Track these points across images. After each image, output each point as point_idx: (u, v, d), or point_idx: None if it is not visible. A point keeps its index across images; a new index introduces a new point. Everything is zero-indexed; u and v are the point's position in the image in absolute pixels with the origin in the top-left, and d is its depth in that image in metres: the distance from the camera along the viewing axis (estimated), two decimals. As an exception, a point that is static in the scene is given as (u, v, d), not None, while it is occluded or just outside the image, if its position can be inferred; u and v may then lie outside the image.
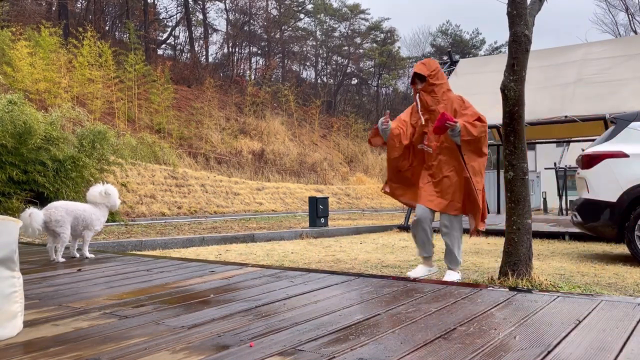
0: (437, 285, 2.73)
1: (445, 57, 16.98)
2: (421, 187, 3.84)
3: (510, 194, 3.47)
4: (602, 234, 5.36)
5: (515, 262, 3.37)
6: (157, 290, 2.66)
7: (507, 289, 2.63)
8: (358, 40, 37.39)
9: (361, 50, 36.95)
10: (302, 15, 35.91)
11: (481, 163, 3.68)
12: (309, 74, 37.24)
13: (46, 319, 2.08)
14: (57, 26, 16.31)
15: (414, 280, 2.98)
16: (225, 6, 31.02)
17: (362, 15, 37.04)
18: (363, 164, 25.36)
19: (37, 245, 4.97)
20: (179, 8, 29.60)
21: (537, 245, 6.56)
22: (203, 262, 3.71)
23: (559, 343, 1.69)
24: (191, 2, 29.42)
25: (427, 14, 75.35)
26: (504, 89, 3.51)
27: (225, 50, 30.81)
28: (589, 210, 5.28)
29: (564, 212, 14.15)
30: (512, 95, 3.46)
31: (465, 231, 3.88)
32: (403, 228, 9.17)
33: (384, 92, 38.92)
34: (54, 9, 22.90)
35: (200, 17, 30.24)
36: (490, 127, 10.62)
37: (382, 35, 37.89)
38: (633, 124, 5.22)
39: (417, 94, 3.86)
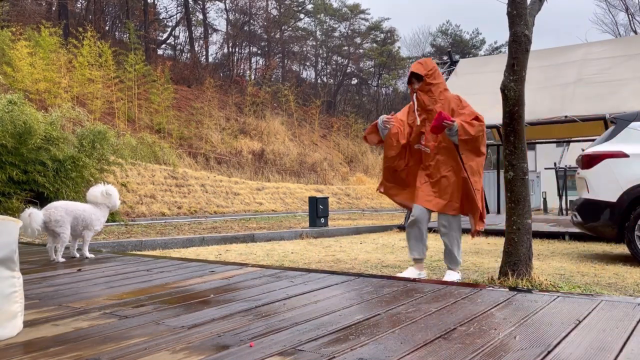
0: (437, 285, 2.73)
1: (445, 57, 16.98)
2: (418, 187, 3.81)
3: (510, 194, 3.46)
4: (602, 234, 5.36)
5: (515, 262, 3.37)
6: (157, 290, 2.66)
7: (507, 289, 2.63)
8: (358, 40, 37.39)
9: (361, 50, 36.95)
10: (302, 15, 35.92)
11: (479, 163, 3.66)
12: (309, 74, 37.28)
13: (46, 319, 2.08)
14: (57, 26, 16.31)
15: (414, 280, 2.98)
16: (225, 6, 31.04)
17: (362, 15, 37.06)
18: (363, 164, 25.36)
19: (37, 245, 4.97)
20: (179, 8, 29.61)
21: (537, 245, 6.56)
22: (203, 262, 3.71)
23: (559, 343, 1.69)
24: (191, 2, 29.42)
25: (427, 14, 75.37)
26: (504, 89, 3.51)
27: (225, 50, 30.84)
28: (589, 210, 5.28)
29: (564, 212, 14.16)
30: (512, 95, 3.46)
31: (466, 231, 3.87)
32: (403, 228, 9.17)
33: (384, 92, 38.94)
34: (54, 9, 22.90)
35: (200, 17, 30.25)
36: (490, 127, 10.62)
37: (382, 35, 37.90)
38: (633, 124, 5.22)
39: (414, 94, 3.84)
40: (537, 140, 13.45)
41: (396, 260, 5.12)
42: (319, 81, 36.10)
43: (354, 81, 38.14)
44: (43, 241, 5.35)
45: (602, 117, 8.83)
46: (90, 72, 15.45)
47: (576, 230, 6.72)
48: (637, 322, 1.94)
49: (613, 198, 5.03)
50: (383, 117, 3.90)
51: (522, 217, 3.39)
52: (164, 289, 2.68)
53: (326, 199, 9.52)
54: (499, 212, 13.21)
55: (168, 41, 29.95)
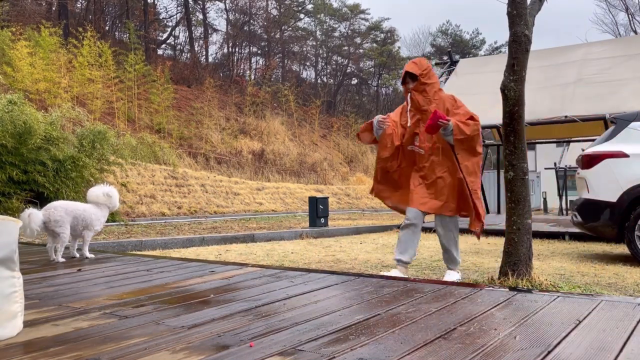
0: (437, 285, 2.73)
1: (445, 57, 16.98)
2: (413, 189, 3.77)
3: (510, 194, 3.46)
4: (602, 234, 5.36)
5: (515, 262, 3.37)
6: (157, 290, 2.66)
7: (507, 289, 2.63)
8: (358, 40, 37.40)
9: (361, 50, 36.95)
10: (302, 15, 35.93)
11: (475, 162, 3.63)
12: (309, 74, 37.29)
13: (46, 319, 2.08)
14: (57, 26, 16.32)
15: (414, 280, 2.98)
16: (225, 6, 31.04)
17: (362, 15, 37.07)
18: (363, 164, 25.37)
19: (37, 245, 4.97)
20: (179, 8, 29.62)
21: (537, 245, 6.56)
22: (203, 262, 3.71)
23: (559, 343, 1.69)
24: (191, 2, 29.42)
25: (427, 14, 75.39)
26: (504, 89, 3.51)
27: (225, 50, 30.84)
28: (589, 210, 5.28)
29: (564, 212, 14.16)
30: (512, 95, 3.46)
31: (464, 231, 3.87)
32: (403, 228, 9.15)
33: (384, 92, 38.96)
34: (54, 9, 22.91)
35: (200, 17, 30.26)
36: (490, 127, 10.64)
37: (382, 35, 37.91)
38: (633, 124, 5.22)
39: (409, 94, 3.82)
40: (537, 140, 13.45)
41: (396, 260, 5.11)
42: (319, 81, 36.11)
43: (354, 81, 38.15)
44: (43, 241, 5.35)
45: (602, 117, 8.84)
46: (90, 72, 15.45)
47: (576, 230, 6.72)
48: (637, 322, 1.94)
49: (613, 198, 5.03)
50: (379, 117, 3.89)
51: (522, 217, 3.39)
52: (164, 289, 2.68)
53: (326, 199, 9.52)
54: (499, 212, 13.22)
55: (168, 41, 29.98)
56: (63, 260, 3.78)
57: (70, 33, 18.56)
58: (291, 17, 34.66)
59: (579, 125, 9.90)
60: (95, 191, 4.00)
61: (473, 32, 43.93)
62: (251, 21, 31.98)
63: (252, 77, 29.22)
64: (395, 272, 3.70)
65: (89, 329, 1.90)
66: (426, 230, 8.09)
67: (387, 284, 2.76)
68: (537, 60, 10.13)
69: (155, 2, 28.92)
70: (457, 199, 3.70)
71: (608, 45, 11.63)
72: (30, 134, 7.33)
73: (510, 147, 3.47)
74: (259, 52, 33.25)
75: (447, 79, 12.92)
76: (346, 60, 36.50)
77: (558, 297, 2.41)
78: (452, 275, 3.73)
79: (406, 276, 3.71)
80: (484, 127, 10.66)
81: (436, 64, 16.38)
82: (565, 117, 9.47)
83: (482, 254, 5.64)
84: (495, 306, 2.23)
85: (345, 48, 36.38)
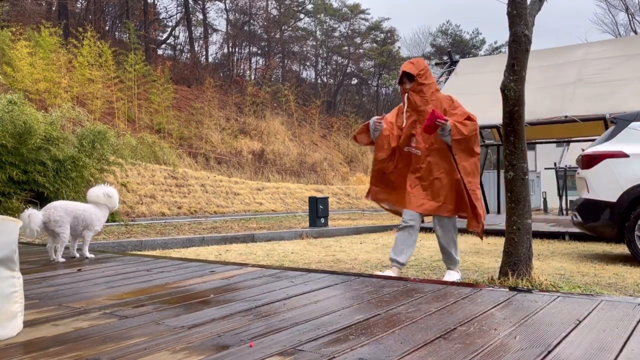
0: (437, 285, 2.73)
1: (445, 57, 16.98)
2: (409, 191, 3.74)
3: (510, 194, 3.46)
4: (602, 234, 5.36)
5: (515, 262, 3.37)
6: (157, 290, 2.66)
7: (507, 289, 2.63)
8: (358, 40, 37.40)
9: (361, 50, 36.96)
10: (302, 15, 35.94)
11: (473, 163, 3.62)
12: (309, 74, 37.30)
13: (46, 319, 2.08)
14: (57, 26, 16.32)
15: (414, 280, 2.98)
16: (225, 6, 31.05)
17: (362, 15, 37.08)
18: (363, 164, 25.36)
19: (37, 245, 4.97)
20: (179, 8, 29.63)
21: (537, 245, 6.56)
22: (203, 262, 3.71)
23: (559, 343, 1.69)
24: (191, 2, 29.43)
25: (427, 14, 75.39)
26: (504, 89, 3.51)
27: (225, 50, 30.85)
28: (589, 210, 5.28)
29: (564, 212, 14.16)
30: (512, 95, 3.46)
31: (463, 231, 3.86)
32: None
33: (384, 92, 38.96)
34: (54, 9, 22.91)
35: (200, 17, 30.26)
36: (490, 127, 10.64)
37: (382, 35, 37.91)
38: (633, 124, 5.22)
39: (406, 94, 3.80)
40: (537, 140, 13.45)
41: (396, 260, 5.11)
42: (319, 81, 36.12)
43: (354, 81, 38.16)
44: (43, 241, 5.35)
45: (602, 117, 8.84)
46: (90, 72, 15.46)
47: (576, 230, 6.72)
48: (637, 322, 1.94)
49: (613, 198, 5.03)
50: (374, 118, 3.88)
51: (522, 217, 3.39)
52: (164, 289, 2.68)
53: (326, 199, 9.52)
54: (499, 212, 13.22)
55: (168, 41, 29.99)
56: (63, 260, 3.78)
57: (70, 33, 18.57)
58: (291, 17, 34.67)
59: (579, 125, 9.90)
60: (96, 191, 4.00)
61: (473, 32, 43.96)
62: (251, 21, 31.99)
63: (252, 77, 29.24)
64: (388, 273, 3.67)
65: (89, 329, 1.90)
66: (426, 230, 8.09)
67: (387, 284, 2.76)
68: (537, 60, 10.13)
69: (155, 2, 28.95)
70: (455, 199, 3.69)
71: (608, 45, 11.63)
72: (30, 134, 7.33)
73: (510, 147, 3.47)
74: (259, 52, 33.27)
75: (447, 79, 12.92)
76: (346, 60, 36.51)
77: (558, 297, 2.41)
78: (452, 275, 3.73)
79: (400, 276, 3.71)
80: (484, 127, 10.67)
81: (436, 64, 16.39)
82: (565, 117, 9.47)
83: (482, 254, 5.64)
84: (495, 306, 2.23)
85: (345, 48, 36.39)
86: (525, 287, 3.02)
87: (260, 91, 24.96)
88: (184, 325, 1.94)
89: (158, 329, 1.89)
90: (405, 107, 3.82)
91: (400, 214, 3.86)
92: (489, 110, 9.41)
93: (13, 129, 7.19)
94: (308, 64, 36.32)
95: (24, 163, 7.37)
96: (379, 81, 37.91)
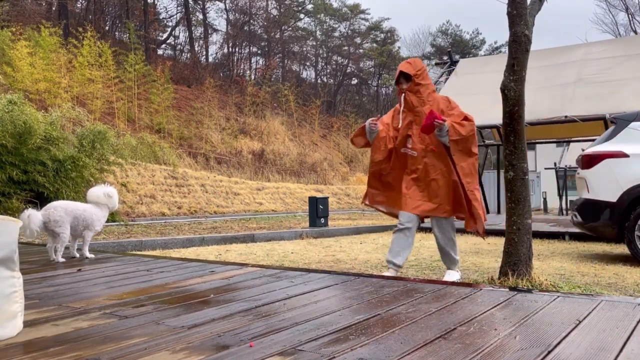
0: (437, 285, 2.73)
1: (445, 57, 16.98)
2: (405, 193, 3.72)
3: (510, 194, 3.46)
4: (602, 234, 5.36)
5: (515, 262, 3.37)
6: (157, 290, 2.66)
7: (507, 289, 2.63)
8: (358, 40, 37.40)
9: (361, 50, 36.96)
10: (302, 15, 35.94)
11: (471, 163, 3.61)
12: (309, 74, 37.30)
13: (46, 319, 2.08)
14: (57, 26, 16.32)
15: (414, 280, 2.98)
16: (225, 6, 31.05)
17: (362, 15, 37.08)
18: (363, 164, 25.35)
19: (37, 245, 4.97)
20: (179, 8, 29.63)
21: (537, 245, 6.56)
22: (203, 262, 3.71)
23: (559, 343, 1.69)
24: (191, 2, 29.43)
25: (427, 14, 75.38)
26: (504, 89, 3.51)
27: (225, 50, 30.85)
28: (589, 210, 5.28)
29: (564, 212, 14.15)
30: (512, 95, 3.46)
31: (470, 232, 3.86)
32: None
33: (384, 92, 38.96)
34: (54, 9, 22.91)
35: (200, 17, 30.26)
36: (490, 127, 10.64)
37: (382, 35, 37.91)
38: (633, 124, 5.22)
39: (403, 94, 3.79)
40: (537, 140, 13.46)
41: (396, 260, 5.11)
42: (319, 81, 36.12)
43: (354, 81, 38.16)
44: (43, 241, 5.35)
45: (602, 117, 8.84)
46: (90, 72, 15.46)
47: (576, 230, 6.72)
48: (637, 322, 1.94)
49: (613, 198, 5.03)
50: (370, 120, 3.87)
51: (522, 217, 3.39)
52: (164, 289, 2.68)
53: (326, 199, 9.52)
54: (499, 212, 13.22)
55: (168, 41, 29.99)
56: (63, 260, 3.78)
57: (70, 33, 18.57)
58: (291, 17, 34.67)
59: (579, 125, 9.90)
60: (96, 191, 4.00)
61: (473, 32, 43.94)
62: (251, 21, 31.99)
63: (252, 77, 29.24)
64: (385, 274, 3.64)
65: (89, 329, 1.90)
66: (426, 230, 8.09)
67: (387, 284, 2.76)
68: (537, 60, 10.13)
69: (155, 2, 28.95)
70: (452, 201, 3.68)
71: (608, 45, 11.63)
72: (30, 134, 7.33)
73: (510, 147, 3.47)
74: (259, 52, 33.27)
75: (447, 79, 12.92)
76: (346, 60, 36.51)
77: (558, 297, 2.41)
78: (452, 275, 3.73)
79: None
80: (484, 127, 10.67)
81: (436, 64, 16.38)
82: (565, 117, 9.47)
83: (482, 254, 5.64)
84: (495, 306, 2.23)
85: (345, 48, 36.39)
86: (525, 287, 3.02)
87: (260, 91, 24.96)
88: (184, 325, 1.94)
89: (158, 329, 1.89)
90: (402, 107, 3.81)
91: (397, 217, 3.85)
92: (489, 110, 9.41)
93: (13, 129, 7.19)
94: (308, 64, 36.35)
95: (24, 163, 7.37)
96: (379, 81, 37.93)
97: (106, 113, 16.11)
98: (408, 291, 2.56)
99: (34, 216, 3.53)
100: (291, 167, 20.83)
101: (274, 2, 33.34)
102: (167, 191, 12.81)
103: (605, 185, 5.13)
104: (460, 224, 3.88)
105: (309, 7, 35.53)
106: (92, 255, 4.02)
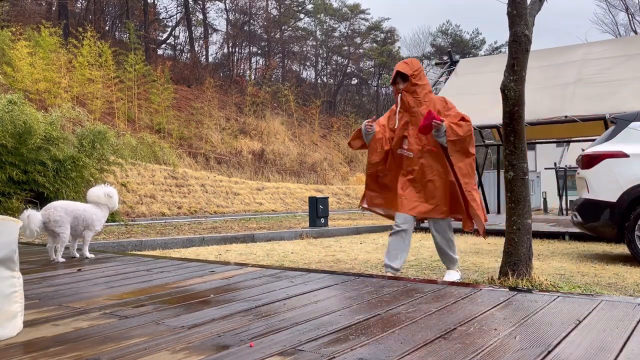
0: (437, 285, 2.73)
1: (445, 57, 16.98)
2: (401, 194, 3.69)
3: (510, 194, 3.46)
4: (602, 234, 5.36)
5: (515, 262, 3.37)
6: (157, 290, 2.66)
7: (507, 289, 2.63)
8: (358, 40, 37.42)
9: (361, 50, 36.97)
10: (302, 15, 35.96)
11: (468, 164, 3.59)
12: (309, 74, 37.31)
13: (46, 319, 2.08)
14: (57, 26, 16.33)
15: (414, 280, 2.98)
16: (225, 6, 31.06)
17: (362, 15, 37.10)
18: (363, 164, 25.35)
19: (37, 245, 4.97)
20: (179, 8, 29.64)
21: (537, 245, 6.56)
22: (203, 262, 3.70)
23: (559, 343, 1.69)
24: (191, 2, 29.43)
25: (427, 14, 75.42)
26: (504, 89, 3.51)
27: (225, 50, 30.86)
28: (589, 210, 5.28)
29: (564, 212, 14.15)
30: (512, 95, 3.46)
31: (470, 232, 3.85)
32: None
33: (384, 92, 38.96)
34: (54, 9, 22.91)
35: (200, 17, 30.27)
36: (490, 127, 10.64)
37: (382, 35, 37.93)
38: (633, 124, 5.22)
39: (399, 95, 3.77)
40: (537, 140, 13.45)
41: (396, 260, 5.11)
42: (319, 81, 36.13)
43: (354, 81, 38.17)
44: (43, 241, 5.35)
45: (602, 117, 8.83)
46: (90, 72, 15.46)
47: (576, 230, 6.72)
48: (637, 322, 1.94)
49: (613, 198, 5.03)
50: (366, 121, 3.86)
51: (522, 217, 3.39)
52: (164, 289, 2.68)
53: (326, 199, 9.52)
54: (499, 212, 13.22)
55: (168, 41, 30.00)
56: (63, 260, 3.78)
57: (70, 33, 18.57)
58: (291, 17, 34.68)
59: (579, 125, 9.90)
60: (96, 191, 4.00)
61: (473, 32, 43.99)
62: (251, 21, 31.99)
63: (252, 77, 29.24)
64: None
65: (89, 329, 1.90)
66: (426, 229, 8.09)
67: (387, 284, 2.76)
68: (537, 60, 10.13)
69: (155, 2, 28.96)
70: (449, 201, 3.67)
71: (608, 45, 11.63)
72: (30, 134, 7.33)
73: (510, 147, 3.47)
74: (259, 52, 33.28)
75: (447, 79, 12.91)
76: (346, 60, 36.52)
77: (558, 297, 2.41)
78: (452, 275, 3.73)
79: None
80: (484, 127, 10.67)
81: (436, 64, 16.39)
82: (565, 117, 9.47)
83: (482, 254, 5.64)
84: (495, 306, 2.23)
85: (345, 48, 36.40)
86: (525, 287, 3.02)
87: (260, 91, 24.97)
88: (184, 325, 1.94)
89: (158, 329, 1.89)
90: (398, 107, 3.79)
91: (393, 219, 3.84)
92: (489, 110, 9.41)
93: (13, 129, 7.19)
94: (308, 64, 36.36)
95: (24, 163, 7.37)
96: (379, 81, 37.93)
97: (106, 113, 16.11)
98: (408, 291, 2.56)
99: (33, 216, 3.53)
100: (291, 167, 20.83)
101: (274, 2, 33.36)
102: (167, 191, 12.81)
103: (605, 185, 5.13)
104: (458, 223, 3.88)
105: (309, 7, 35.56)
106: (92, 255, 4.02)
